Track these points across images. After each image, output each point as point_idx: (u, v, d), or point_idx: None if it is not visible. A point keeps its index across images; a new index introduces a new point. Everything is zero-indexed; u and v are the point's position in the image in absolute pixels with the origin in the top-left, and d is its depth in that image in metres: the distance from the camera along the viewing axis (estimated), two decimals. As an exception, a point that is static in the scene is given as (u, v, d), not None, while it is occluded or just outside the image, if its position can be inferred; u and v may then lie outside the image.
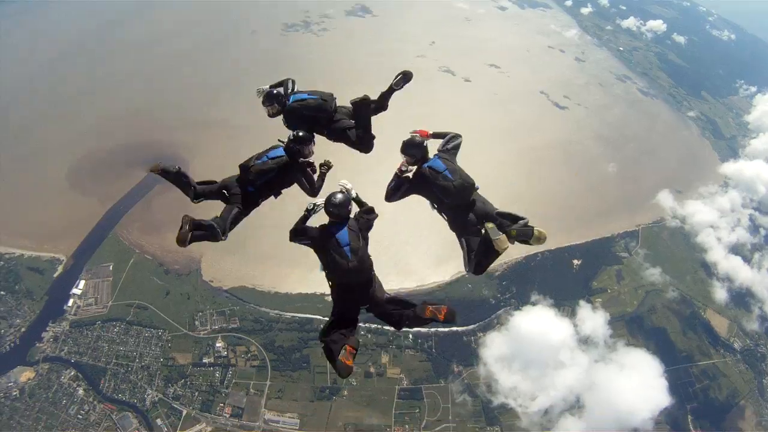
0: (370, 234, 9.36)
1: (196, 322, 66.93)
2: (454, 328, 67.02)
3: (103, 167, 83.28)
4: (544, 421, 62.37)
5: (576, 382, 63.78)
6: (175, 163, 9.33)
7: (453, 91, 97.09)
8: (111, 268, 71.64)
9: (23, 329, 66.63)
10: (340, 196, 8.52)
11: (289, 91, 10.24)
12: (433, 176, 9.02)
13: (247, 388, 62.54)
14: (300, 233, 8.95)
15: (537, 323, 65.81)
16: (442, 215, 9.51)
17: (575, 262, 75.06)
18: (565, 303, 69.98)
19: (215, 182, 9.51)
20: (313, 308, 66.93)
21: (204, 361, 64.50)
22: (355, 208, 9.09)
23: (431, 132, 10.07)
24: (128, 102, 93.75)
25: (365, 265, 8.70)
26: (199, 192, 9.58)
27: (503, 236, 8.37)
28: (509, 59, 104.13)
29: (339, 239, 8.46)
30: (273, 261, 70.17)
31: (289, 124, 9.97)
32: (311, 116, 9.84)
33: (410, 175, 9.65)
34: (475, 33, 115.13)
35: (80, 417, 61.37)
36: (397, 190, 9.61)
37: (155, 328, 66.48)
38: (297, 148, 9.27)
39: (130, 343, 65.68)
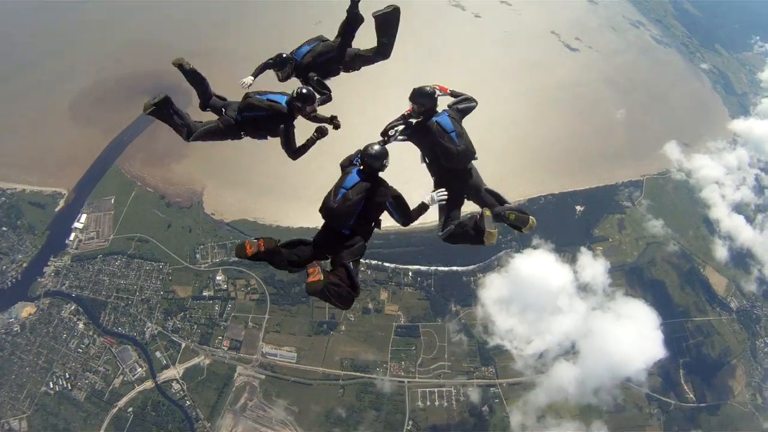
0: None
1: (197, 255, 66.98)
2: (454, 268, 67.05)
3: (106, 98, 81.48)
4: (538, 365, 63.32)
5: (572, 328, 64.43)
6: (161, 93, 9.33)
7: (462, 27, 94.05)
8: (113, 202, 71.33)
9: (25, 265, 66.81)
10: (377, 146, 8.07)
11: (288, 53, 10.13)
12: (439, 133, 8.64)
13: (246, 322, 63.14)
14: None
15: (537, 267, 65.65)
16: (430, 171, 9.17)
17: (578, 207, 74.48)
18: (565, 249, 69.68)
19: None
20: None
21: (204, 294, 64.85)
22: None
23: (450, 89, 9.70)
24: (133, 32, 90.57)
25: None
26: (209, 102, 9.71)
27: (495, 231, 8.06)
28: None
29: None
30: (275, 194, 69.58)
31: (307, 77, 9.96)
32: (325, 60, 9.95)
33: (413, 122, 9.27)
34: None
35: (80, 351, 62.36)
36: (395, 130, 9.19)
37: (156, 261, 66.54)
38: (299, 105, 8.99)
39: (131, 277, 65.91)
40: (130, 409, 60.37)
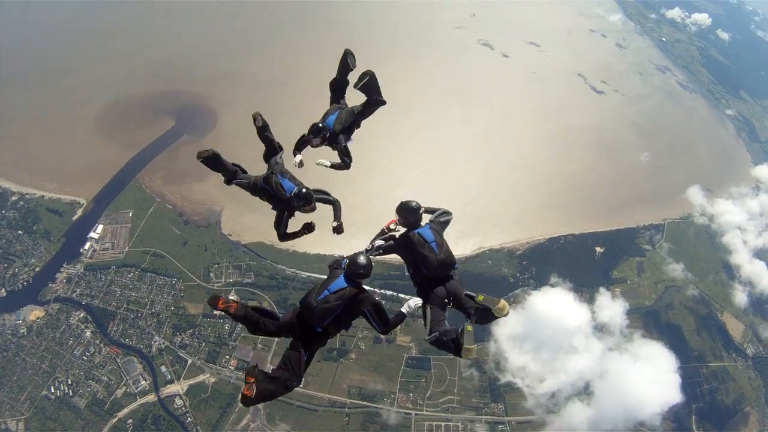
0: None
1: (211, 274, 66.37)
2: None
3: (132, 114, 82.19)
4: (549, 404, 61.03)
5: (587, 368, 62.25)
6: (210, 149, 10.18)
7: (490, 65, 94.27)
8: (130, 215, 71.11)
9: (37, 269, 66.58)
10: (362, 258, 8.41)
11: (321, 123, 11.02)
12: (420, 243, 9.02)
13: (255, 343, 61.89)
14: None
15: (554, 305, 63.98)
16: (413, 280, 9.41)
17: (598, 249, 72.97)
18: (583, 289, 68.06)
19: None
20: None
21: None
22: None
23: (423, 207, 9.80)
24: (162, 50, 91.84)
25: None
26: (236, 181, 10.95)
27: (473, 348, 8.25)
28: (549, 39, 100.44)
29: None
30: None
31: (339, 140, 11.02)
32: (349, 125, 11.11)
33: (396, 234, 9.74)
34: (516, 9, 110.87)
35: (85, 358, 61.40)
36: (384, 249, 9.61)
37: (169, 277, 65.92)
38: (295, 202, 9.88)
39: (143, 290, 65.33)
40: (130, 421, 58.94)
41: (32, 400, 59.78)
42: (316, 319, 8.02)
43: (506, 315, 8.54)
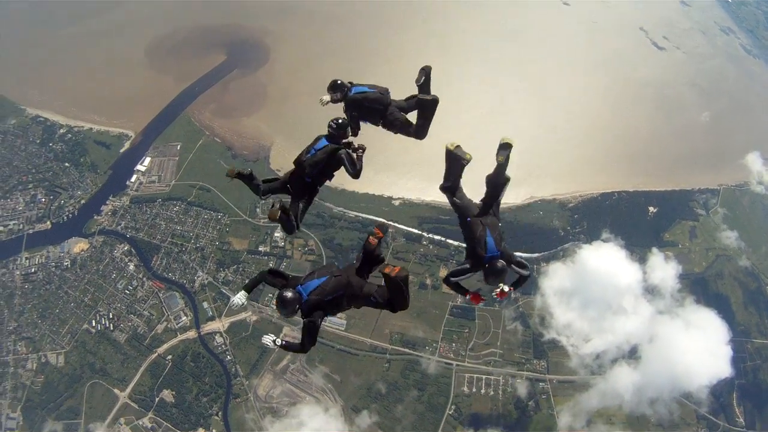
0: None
1: (258, 210, 65.12)
2: (518, 254, 62.45)
3: (183, 47, 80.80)
4: (594, 365, 58.66)
5: (636, 331, 59.47)
6: (247, 167, 11.74)
7: (549, 12, 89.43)
8: (179, 148, 70.42)
9: (83, 201, 66.66)
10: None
11: (347, 82, 10.78)
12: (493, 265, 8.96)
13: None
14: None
15: (605, 261, 61.01)
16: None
17: (651, 209, 69.50)
18: (634, 248, 64.73)
19: (278, 179, 10.67)
20: (377, 210, 64.54)
21: (260, 249, 63.32)
22: None
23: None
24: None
25: None
26: (265, 189, 10.55)
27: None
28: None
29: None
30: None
31: (349, 111, 10.70)
32: (370, 107, 10.63)
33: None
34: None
35: (127, 292, 61.56)
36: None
37: (215, 211, 65.22)
38: (337, 133, 9.95)
39: (188, 224, 64.82)
40: (170, 357, 59.25)
41: (73, 334, 60.32)
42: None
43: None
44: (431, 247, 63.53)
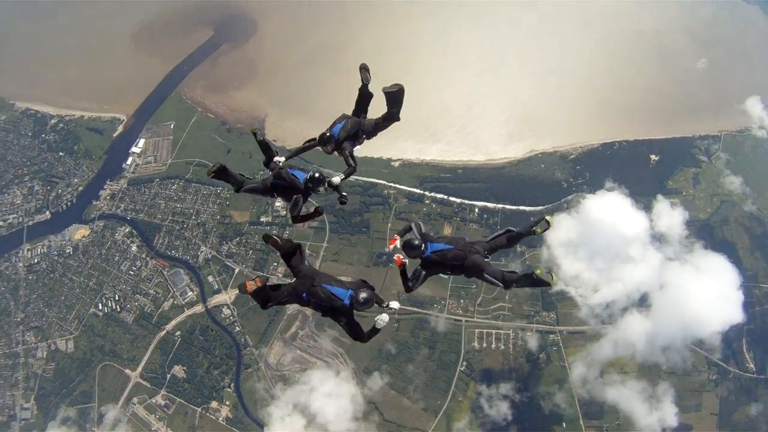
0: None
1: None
2: (521, 207, 62.59)
3: (169, 27, 78.93)
4: (604, 315, 57.97)
5: (645, 279, 58.41)
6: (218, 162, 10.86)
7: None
8: (172, 127, 69.65)
9: (80, 188, 66.14)
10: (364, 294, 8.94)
11: (330, 131, 11.25)
12: (441, 257, 9.75)
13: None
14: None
15: (611, 210, 59.94)
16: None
17: (653, 157, 68.51)
18: (639, 197, 63.71)
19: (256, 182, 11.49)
20: (377, 173, 64.04)
21: (261, 219, 63.04)
22: None
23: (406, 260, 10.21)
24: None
25: None
26: (247, 189, 11.42)
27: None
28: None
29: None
30: None
31: (342, 146, 11.31)
32: (354, 133, 11.37)
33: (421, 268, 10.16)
34: None
35: (132, 273, 61.30)
36: (417, 280, 10.07)
37: (214, 186, 64.57)
38: (311, 185, 10.70)
39: (188, 201, 64.39)
40: (178, 333, 59.22)
41: (80, 319, 60.32)
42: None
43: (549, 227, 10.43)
44: (434, 205, 63.13)
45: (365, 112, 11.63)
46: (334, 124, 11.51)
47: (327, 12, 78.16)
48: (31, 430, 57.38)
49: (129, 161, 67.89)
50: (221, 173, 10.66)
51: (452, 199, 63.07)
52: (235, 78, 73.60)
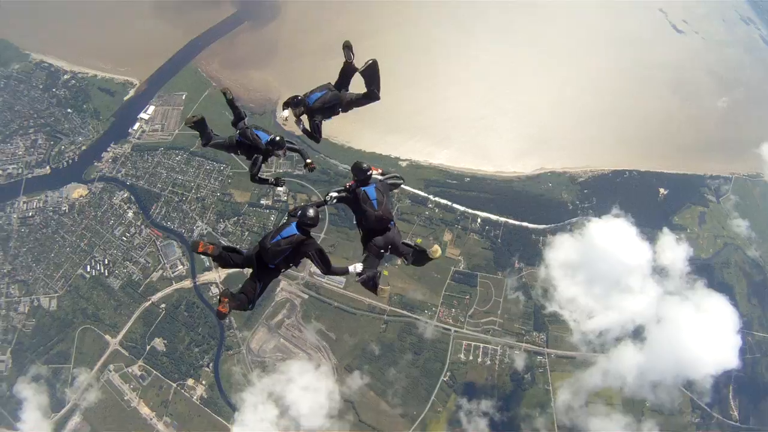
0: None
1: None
2: (524, 224, 60.91)
3: (192, -2, 77.19)
4: (596, 343, 56.15)
5: (642, 311, 56.87)
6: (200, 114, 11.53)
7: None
8: (183, 98, 67.89)
9: (84, 147, 64.50)
10: (311, 211, 8.94)
11: (303, 95, 11.15)
12: (363, 199, 9.70)
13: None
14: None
15: (615, 237, 58.38)
16: (359, 229, 10.00)
17: (662, 191, 67.02)
18: (644, 228, 62.10)
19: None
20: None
21: (261, 202, 61.17)
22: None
23: (380, 170, 10.52)
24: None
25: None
26: (214, 144, 11.69)
27: (387, 288, 11.33)
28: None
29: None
30: (351, 116, 62.75)
31: (314, 118, 11.15)
32: (330, 106, 11.08)
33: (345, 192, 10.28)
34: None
35: (125, 239, 59.56)
36: (339, 201, 10.19)
37: (218, 162, 62.76)
38: (270, 147, 10.85)
39: (190, 173, 62.57)
40: (163, 305, 57.32)
41: (67, 278, 58.71)
42: (269, 258, 8.96)
43: (439, 258, 9.74)
44: (437, 210, 61.39)
45: (347, 87, 11.37)
46: (313, 91, 11.28)
47: (354, 2, 76.50)
48: (1, 383, 55.69)
49: (136, 126, 66.21)
50: (199, 124, 11.18)
51: (456, 206, 61.48)
52: (253, 57, 72.02)
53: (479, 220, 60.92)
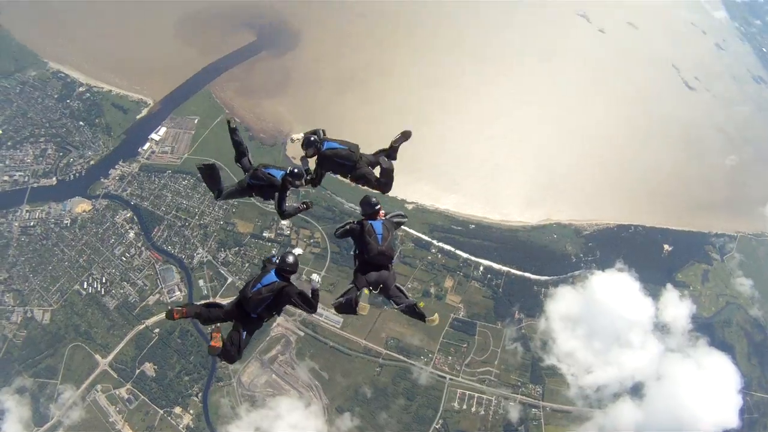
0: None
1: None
2: (527, 274, 59.81)
3: (214, 22, 77.52)
4: (594, 398, 54.71)
5: (642, 368, 55.61)
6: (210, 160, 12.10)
7: (583, 37, 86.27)
8: (196, 122, 67.49)
9: (92, 162, 64.07)
10: (291, 258, 9.22)
11: (321, 137, 10.74)
12: (368, 231, 9.81)
13: (300, 273, 56.73)
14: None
15: (618, 291, 57.51)
16: (355, 261, 10.13)
17: (666, 247, 66.10)
18: (647, 284, 61.07)
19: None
20: (389, 211, 60.73)
21: (264, 234, 60.41)
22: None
23: (384, 212, 10.74)
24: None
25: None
26: (225, 194, 11.29)
27: (367, 306, 9.38)
28: (650, 22, 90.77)
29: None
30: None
31: (321, 165, 10.77)
32: (341, 163, 10.71)
33: (349, 225, 10.42)
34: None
35: (124, 259, 58.72)
36: (343, 234, 10.38)
37: None
38: (290, 180, 10.17)
39: (195, 199, 61.97)
40: (157, 330, 56.20)
41: (63, 293, 57.79)
42: (251, 307, 8.96)
43: (434, 324, 9.51)
44: (440, 256, 60.45)
45: (372, 166, 11.11)
46: (333, 140, 10.93)
47: (371, 39, 76.95)
48: None
49: (146, 146, 65.76)
50: (209, 171, 10.82)
51: (459, 252, 60.71)
52: (268, 87, 71.70)
53: (482, 268, 59.95)
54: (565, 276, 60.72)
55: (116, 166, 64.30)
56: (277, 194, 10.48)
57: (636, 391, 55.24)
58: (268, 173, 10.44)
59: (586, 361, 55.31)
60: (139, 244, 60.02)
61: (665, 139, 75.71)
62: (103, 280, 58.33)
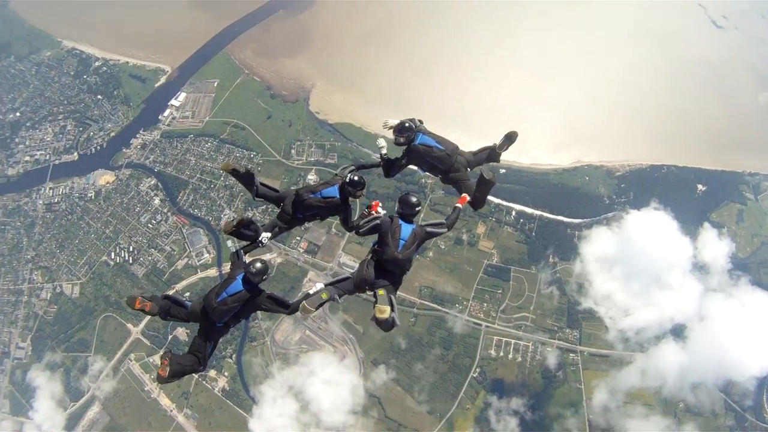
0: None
1: (292, 151, 60.83)
2: (560, 217, 57.75)
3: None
4: (634, 341, 52.37)
5: (683, 309, 52.76)
6: (246, 165, 10.78)
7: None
8: (215, 85, 66.22)
9: (113, 134, 63.45)
10: (259, 264, 8.33)
11: (417, 126, 9.93)
12: (393, 233, 8.81)
13: (329, 227, 56.26)
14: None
15: (655, 230, 54.62)
16: (372, 253, 9.15)
17: (700, 186, 62.97)
18: (682, 223, 58.03)
19: (276, 190, 9.77)
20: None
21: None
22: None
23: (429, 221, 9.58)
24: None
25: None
26: (262, 193, 9.74)
27: (311, 309, 8.60)
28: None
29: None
30: (386, 106, 61.08)
31: (408, 157, 9.97)
32: (431, 163, 9.90)
33: (379, 220, 9.35)
34: None
35: (150, 226, 57.95)
36: (369, 231, 9.34)
37: (248, 150, 61.04)
38: (350, 190, 9.13)
39: (219, 161, 60.47)
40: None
41: (90, 265, 57.36)
42: (216, 317, 8.29)
43: (382, 317, 8.45)
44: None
45: (470, 166, 10.34)
46: (431, 135, 9.99)
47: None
48: (22, 370, 54.84)
49: (166, 113, 64.85)
50: (246, 175, 9.31)
51: (490, 197, 57.06)
52: (287, 45, 70.06)
53: (514, 212, 57.77)
54: (598, 218, 58.29)
55: (137, 135, 63.56)
56: (341, 215, 9.56)
57: (678, 333, 52.78)
58: (323, 198, 9.24)
59: (624, 303, 52.78)
60: (165, 210, 59.16)
61: (696, 80, 72.48)
62: (131, 249, 57.72)
